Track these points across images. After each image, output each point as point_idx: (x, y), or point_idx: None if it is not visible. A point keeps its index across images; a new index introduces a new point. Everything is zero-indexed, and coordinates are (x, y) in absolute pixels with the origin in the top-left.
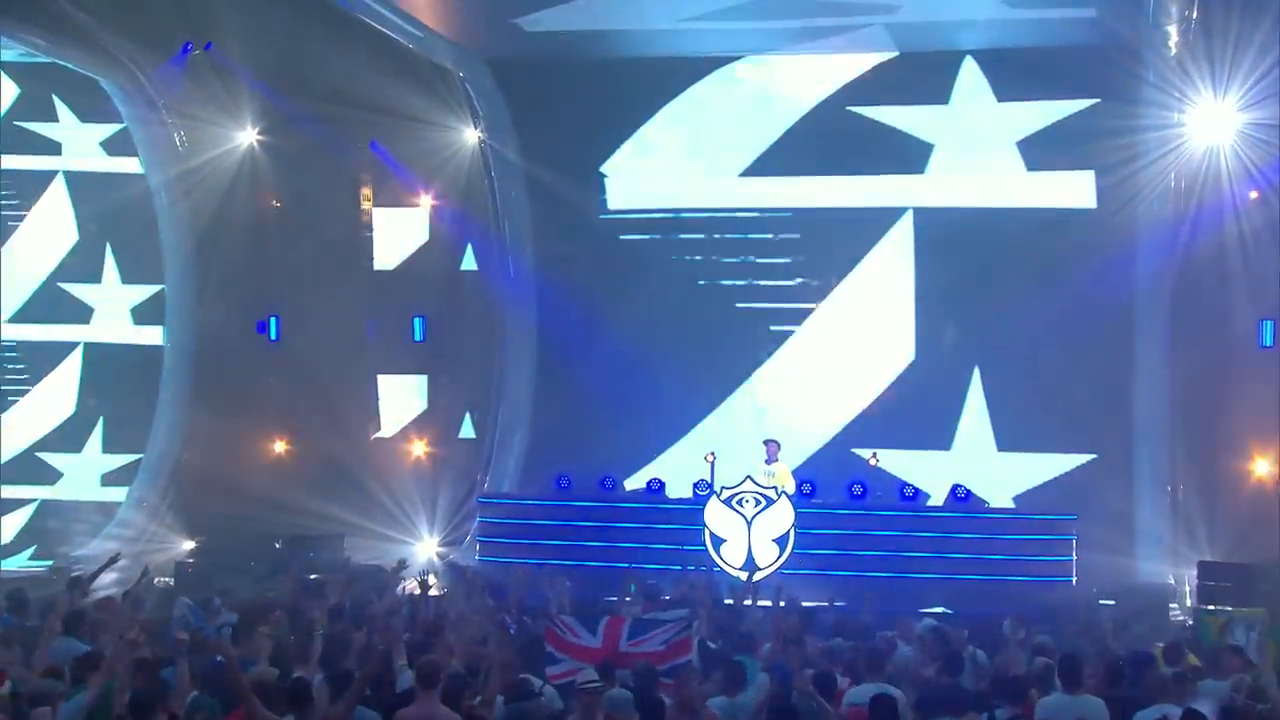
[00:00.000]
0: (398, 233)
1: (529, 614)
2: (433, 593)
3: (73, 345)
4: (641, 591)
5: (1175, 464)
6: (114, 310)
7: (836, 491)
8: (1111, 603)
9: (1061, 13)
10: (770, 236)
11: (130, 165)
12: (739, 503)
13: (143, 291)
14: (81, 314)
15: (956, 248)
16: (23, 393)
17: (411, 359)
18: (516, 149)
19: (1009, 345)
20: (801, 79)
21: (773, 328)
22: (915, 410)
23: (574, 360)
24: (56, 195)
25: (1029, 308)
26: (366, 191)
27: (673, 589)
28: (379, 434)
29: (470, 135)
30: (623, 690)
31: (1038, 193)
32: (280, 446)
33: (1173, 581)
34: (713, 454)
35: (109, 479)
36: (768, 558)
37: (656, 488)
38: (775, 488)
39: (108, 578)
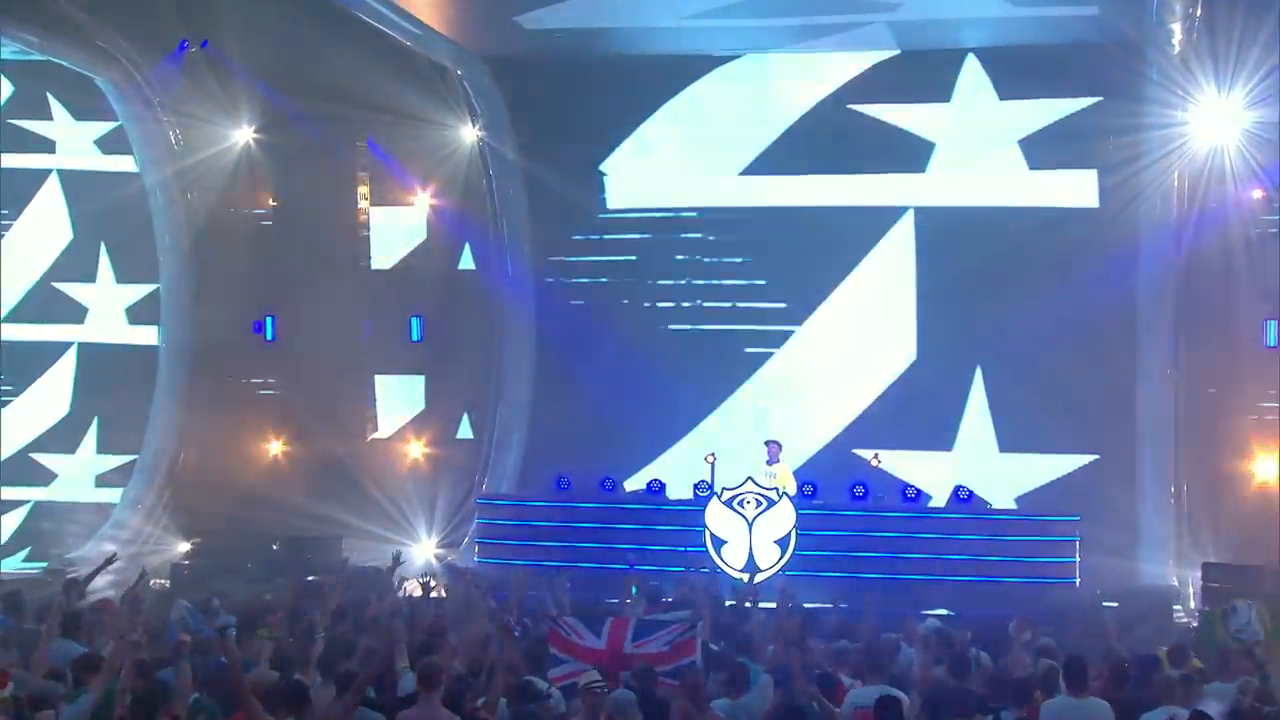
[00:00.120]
0: (395, 232)
1: (529, 615)
2: (434, 594)
3: (67, 345)
4: (643, 593)
5: (1179, 465)
6: (108, 310)
7: (838, 492)
8: (1115, 605)
9: (1064, 10)
10: (770, 236)
11: (125, 164)
12: (740, 504)
13: (137, 291)
14: (76, 314)
15: (958, 247)
16: (16, 393)
17: (409, 359)
18: (515, 147)
19: (1011, 345)
20: (802, 77)
21: (773, 328)
22: (917, 411)
23: (573, 360)
24: (51, 194)
25: (1031, 308)
26: (364, 190)
27: (674, 590)
28: (376, 434)
29: (468, 134)
30: (627, 691)
31: (1040, 192)
32: (277, 447)
33: (1176, 583)
34: (713, 455)
35: (103, 480)
36: (769, 559)
37: (657, 489)
38: (776, 489)
39: (103, 579)
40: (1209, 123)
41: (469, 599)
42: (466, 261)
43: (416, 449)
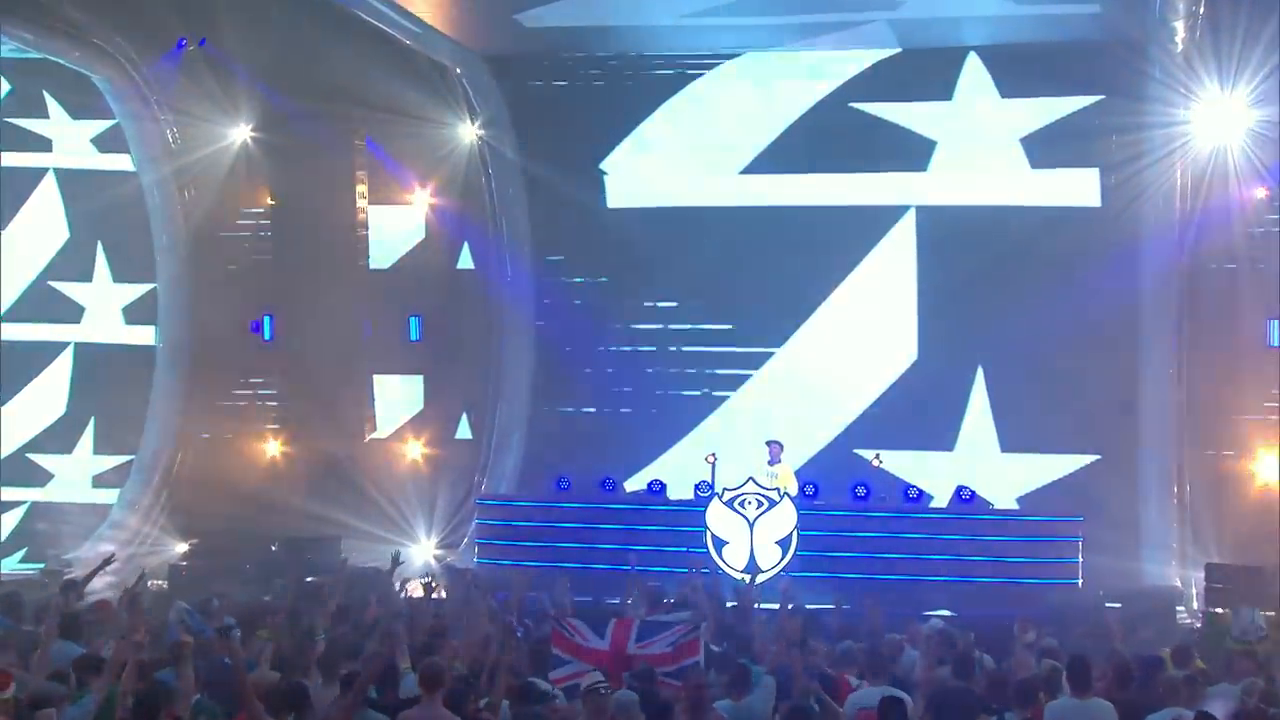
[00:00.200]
0: (393, 231)
1: (530, 616)
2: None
3: (63, 345)
4: (643, 594)
5: (1181, 465)
6: (105, 310)
7: (840, 493)
8: (1118, 605)
9: (1066, 8)
10: (771, 235)
11: (122, 163)
12: (741, 504)
13: (134, 290)
14: (72, 313)
15: (959, 246)
16: (13, 393)
17: (407, 359)
18: (514, 146)
19: (1013, 345)
20: (803, 76)
21: (773, 327)
22: (918, 411)
23: (573, 360)
24: (47, 193)
25: (1033, 307)
26: (362, 189)
27: (675, 591)
28: (375, 435)
29: (467, 132)
30: (629, 692)
31: (1041, 191)
32: (275, 447)
33: (1179, 584)
34: (713, 455)
35: (100, 480)
36: (770, 560)
37: (657, 489)
38: (778, 489)
39: (101, 581)
40: (1212, 121)
41: (468, 599)
42: (465, 261)
43: (415, 449)
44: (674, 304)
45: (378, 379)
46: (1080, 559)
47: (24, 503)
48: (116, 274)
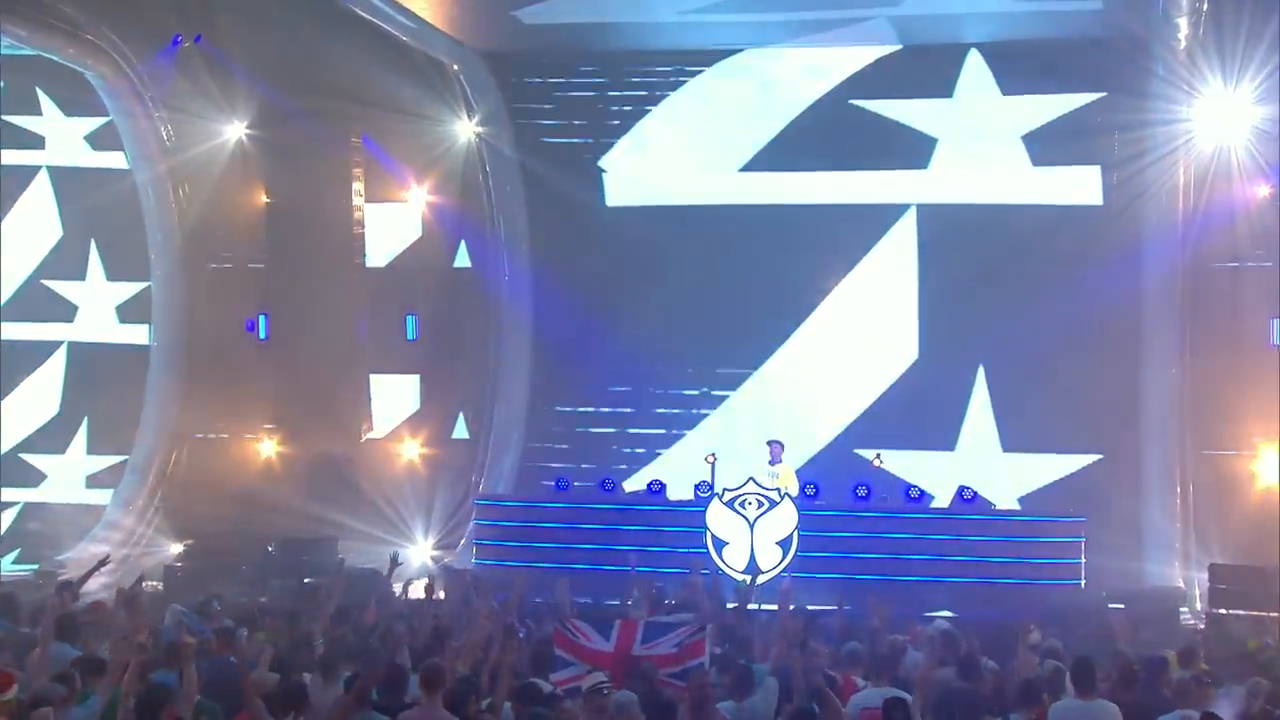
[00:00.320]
0: (390, 229)
1: (530, 617)
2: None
3: (57, 344)
4: (644, 596)
5: (1184, 464)
6: (99, 308)
7: (840, 493)
8: (1121, 606)
9: (1068, 4)
10: (771, 233)
11: (116, 160)
12: (741, 505)
13: (128, 289)
14: (66, 312)
15: (960, 245)
16: (5, 393)
17: (404, 358)
18: (512, 143)
19: (1014, 344)
20: (803, 72)
21: (773, 326)
22: (919, 410)
23: (571, 359)
24: (40, 191)
25: (1034, 306)
26: (358, 187)
27: (675, 593)
28: (371, 434)
29: (465, 129)
30: (628, 692)
31: (1043, 189)
32: (271, 447)
33: (1182, 585)
34: (713, 455)
35: (94, 481)
36: (771, 561)
37: (657, 489)
38: (778, 489)
39: (95, 582)
40: (1215, 119)
41: (467, 600)
42: (463, 259)
43: (412, 449)
44: (673, 302)
45: (374, 378)
46: (1083, 559)
47: (17, 503)
48: (110, 272)
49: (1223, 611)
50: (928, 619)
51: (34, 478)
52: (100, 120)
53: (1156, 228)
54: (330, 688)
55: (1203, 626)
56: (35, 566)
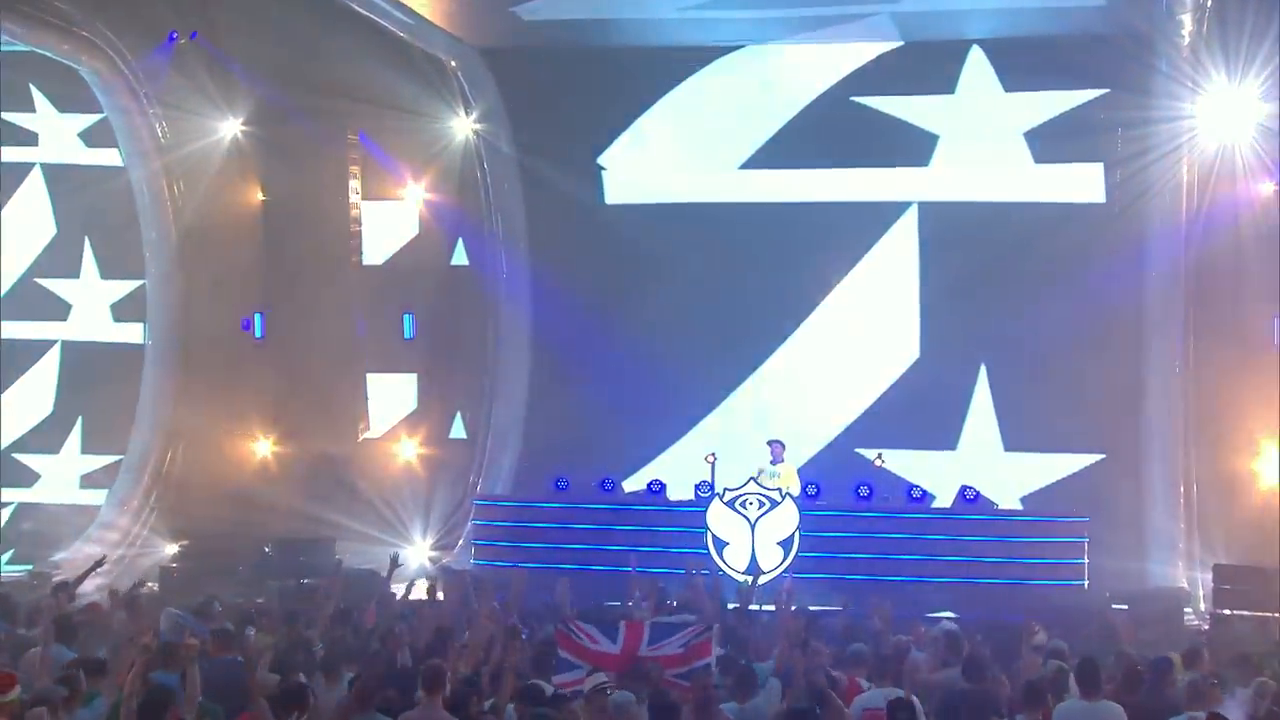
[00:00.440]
0: (387, 227)
1: (530, 617)
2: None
3: (50, 343)
4: (648, 597)
5: (1188, 464)
6: (93, 307)
7: (842, 493)
8: (1124, 607)
9: (1071, 0)
10: (771, 231)
11: (110, 157)
12: (742, 505)
13: (122, 287)
14: (59, 311)
15: (962, 243)
16: None
17: (401, 357)
18: (510, 140)
19: (1016, 342)
20: (804, 69)
21: (774, 325)
22: (920, 409)
23: (570, 358)
24: (34, 188)
25: (1036, 304)
26: (355, 185)
27: (676, 594)
28: (368, 434)
29: (462, 126)
30: (626, 693)
31: (1045, 186)
32: (267, 447)
33: (1186, 585)
34: (713, 455)
35: (88, 480)
36: (772, 561)
37: (657, 489)
38: (779, 489)
39: (89, 583)
40: (1219, 116)
41: (466, 601)
42: (460, 257)
43: (409, 449)
44: (672, 301)
45: (371, 377)
46: (1086, 560)
47: (11, 503)
48: (104, 270)
49: (1227, 612)
50: (930, 620)
51: (28, 478)
52: (95, 117)
53: (1159, 226)
54: (333, 689)
55: (1207, 627)
56: (29, 567)
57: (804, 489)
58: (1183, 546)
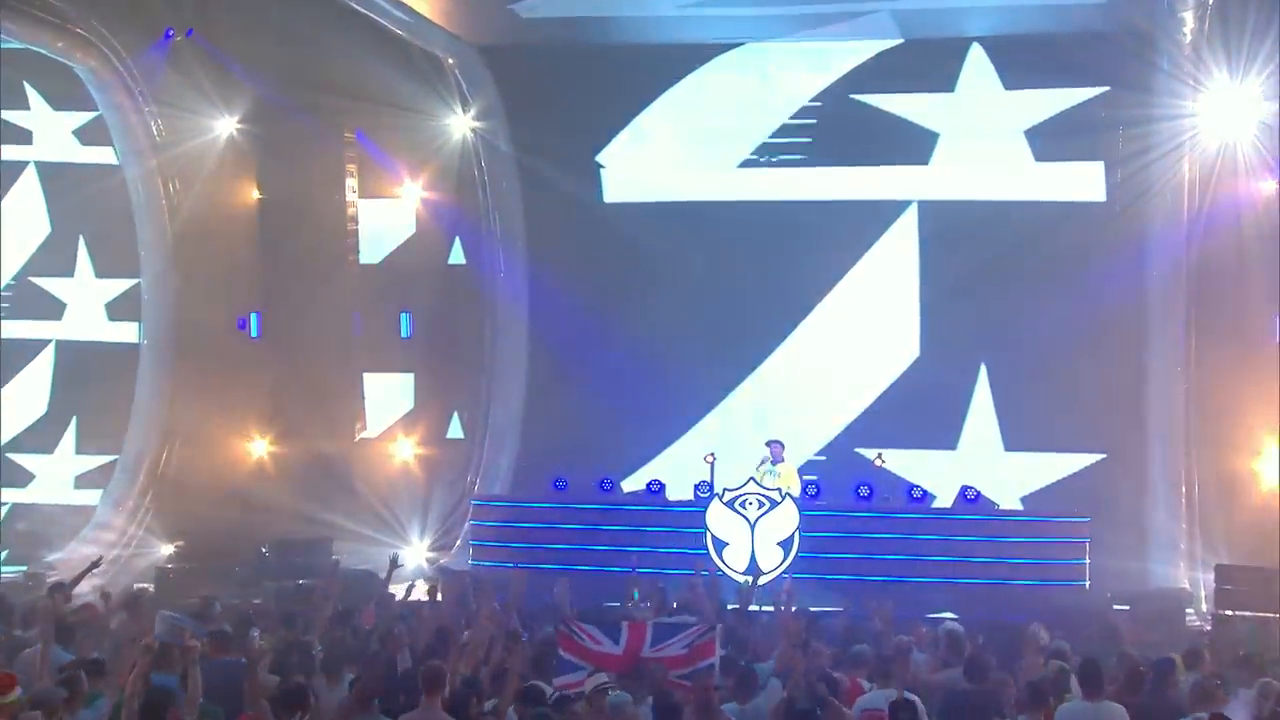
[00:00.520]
0: (384, 225)
1: (530, 618)
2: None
3: (45, 342)
4: (646, 598)
5: (1190, 464)
6: (87, 306)
7: (842, 493)
8: (1126, 608)
9: None
10: (771, 229)
11: (105, 155)
12: (742, 505)
13: (117, 286)
14: (54, 310)
15: (962, 241)
16: None
17: (398, 356)
18: (508, 138)
19: (1017, 341)
20: (803, 67)
21: (773, 324)
22: (920, 409)
23: (568, 357)
24: (28, 186)
25: (1037, 303)
26: (352, 183)
27: (676, 595)
28: (365, 434)
29: (460, 124)
30: (622, 694)
31: (1046, 184)
32: (263, 447)
33: (1188, 586)
34: (713, 454)
35: (82, 481)
36: (772, 561)
37: (656, 489)
38: (779, 489)
39: (85, 584)
40: (1221, 114)
41: (464, 601)
42: (457, 256)
43: (406, 449)
44: (671, 300)
45: (368, 377)
46: (1088, 560)
47: (5, 504)
48: (99, 269)
49: (1229, 613)
50: (930, 620)
51: (22, 478)
52: (89, 115)
53: (1161, 224)
54: (335, 689)
55: (1209, 628)
56: (24, 568)
57: (804, 489)
58: (1184, 547)
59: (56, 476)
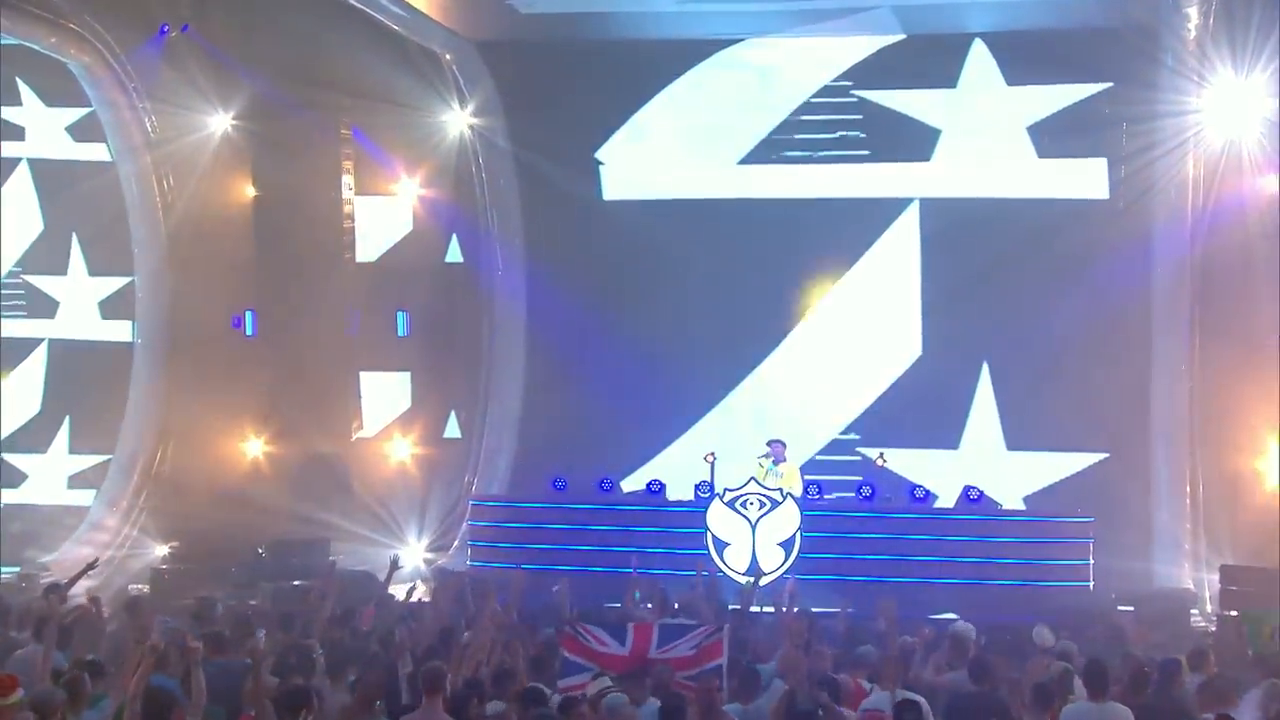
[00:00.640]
0: (380, 223)
1: (530, 619)
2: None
3: (37, 341)
4: (646, 599)
5: (1193, 463)
6: (81, 304)
7: (843, 493)
8: (1130, 609)
9: None
10: (771, 227)
11: (98, 152)
12: (743, 505)
13: (111, 284)
14: (47, 308)
15: (964, 239)
16: None
17: (395, 355)
18: (506, 135)
19: (1019, 340)
20: (804, 63)
21: (774, 323)
22: (922, 408)
23: (567, 356)
24: (20, 183)
25: (1040, 301)
26: (348, 180)
27: (677, 595)
28: (362, 433)
29: (457, 121)
30: (618, 695)
31: (1049, 181)
32: (258, 447)
33: (1192, 586)
34: (713, 454)
35: (76, 481)
36: (773, 562)
37: (656, 489)
38: (780, 489)
39: (80, 585)
40: (1225, 111)
41: (462, 601)
42: (454, 254)
43: (403, 448)
44: (671, 298)
45: (364, 376)
46: (1092, 560)
47: None
48: (92, 267)
49: (1234, 614)
50: (933, 621)
51: (15, 478)
52: (82, 111)
53: (1165, 222)
54: (338, 690)
55: (1214, 629)
56: (17, 569)
57: (805, 489)
58: (1189, 547)
59: (50, 476)
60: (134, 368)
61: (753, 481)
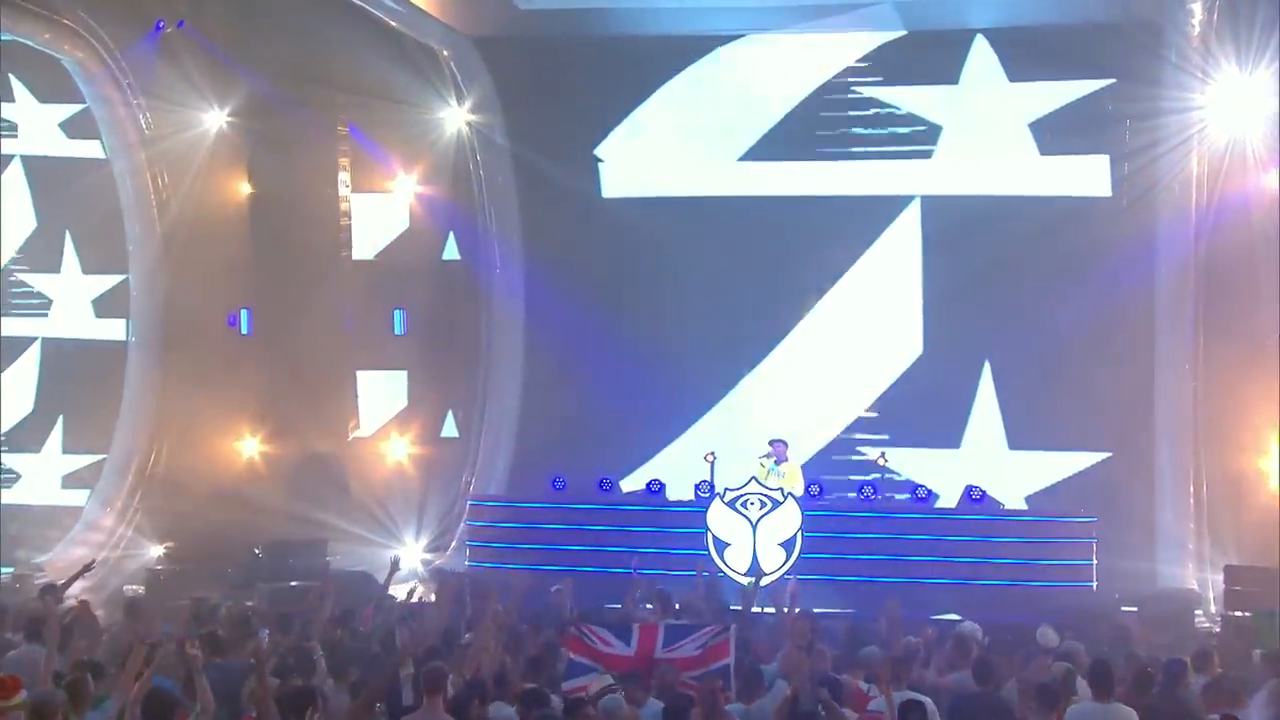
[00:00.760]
0: (377, 220)
1: (531, 620)
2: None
3: (31, 340)
4: (647, 599)
5: (1198, 463)
6: (74, 302)
7: (843, 492)
8: (1134, 609)
9: None
10: (771, 225)
11: (92, 149)
12: (743, 505)
13: (105, 282)
14: (40, 306)
15: (966, 237)
16: None
17: (392, 353)
18: (504, 131)
19: (1021, 339)
20: (805, 59)
21: (774, 321)
22: (923, 407)
23: (565, 355)
24: (13, 180)
25: (1042, 299)
26: (344, 177)
27: (678, 596)
28: (358, 432)
29: (455, 117)
30: (614, 697)
31: (1051, 179)
32: (254, 446)
33: (1196, 586)
34: (713, 454)
35: (69, 480)
36: (774, 562)
37: (656, 489)
38: (781, 489)
39: (75, 586)
40: (1229, 107)
41: (460, 600)
42: (452, 252)
43: (400, 448)
44: (670, 296)
45: (361, 374)
46: (1095, 560)
47: None
48: (86, 265)
49: (1238, 614)
50: (935, 621)
51: (8, 478)
52: (76, 107)
53: (1168, 220)
54: (340, 691)
55: (1218, 629)
56: (11, 569)
57: (806, 488)
58: (1192, 547)
59: (43, 476)
60: (128, 366)
61: (753, 481)
